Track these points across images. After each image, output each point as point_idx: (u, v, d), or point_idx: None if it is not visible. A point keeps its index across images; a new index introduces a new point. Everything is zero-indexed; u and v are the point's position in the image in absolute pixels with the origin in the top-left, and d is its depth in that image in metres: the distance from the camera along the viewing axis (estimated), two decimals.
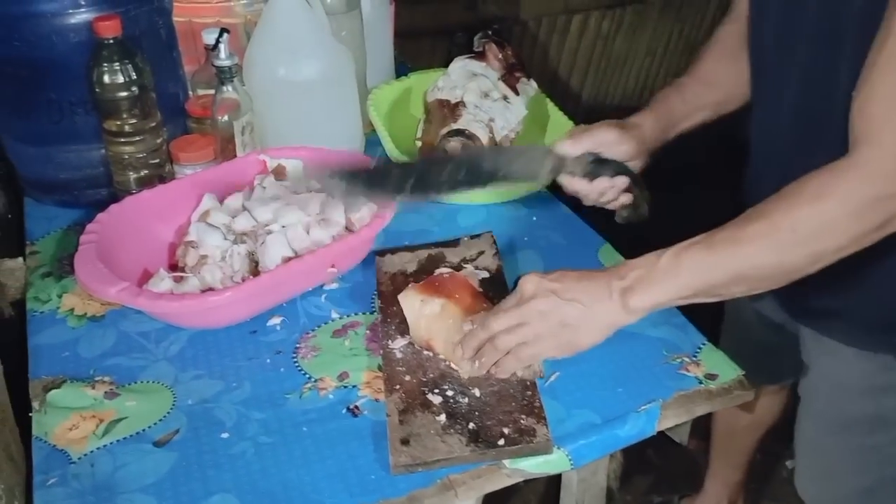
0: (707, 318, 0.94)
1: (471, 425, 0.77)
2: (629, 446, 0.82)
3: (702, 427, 1.46)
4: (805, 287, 0.84)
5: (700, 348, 0.88)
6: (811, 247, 0.75)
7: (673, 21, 2.25)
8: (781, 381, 1.30)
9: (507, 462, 0.75)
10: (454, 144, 1.03)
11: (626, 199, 0.98)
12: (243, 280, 0.91)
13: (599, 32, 2.19)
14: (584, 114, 2.28)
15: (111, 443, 0.77)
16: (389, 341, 0.87)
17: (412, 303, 0.86)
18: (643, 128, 0.99)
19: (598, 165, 0.95)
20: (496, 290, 0.93)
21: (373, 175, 0.91)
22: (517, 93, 1.17)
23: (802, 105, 0.88)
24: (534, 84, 1.24)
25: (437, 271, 0.93)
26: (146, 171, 1.06)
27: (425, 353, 0.85)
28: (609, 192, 0.97)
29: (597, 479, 1.04)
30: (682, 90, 1.03)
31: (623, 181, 0.96)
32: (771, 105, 0.94)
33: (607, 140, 0.96)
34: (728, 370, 0.85)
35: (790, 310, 1.05)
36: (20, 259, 1.03)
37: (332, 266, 0.94)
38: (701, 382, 0.84)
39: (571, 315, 0.79)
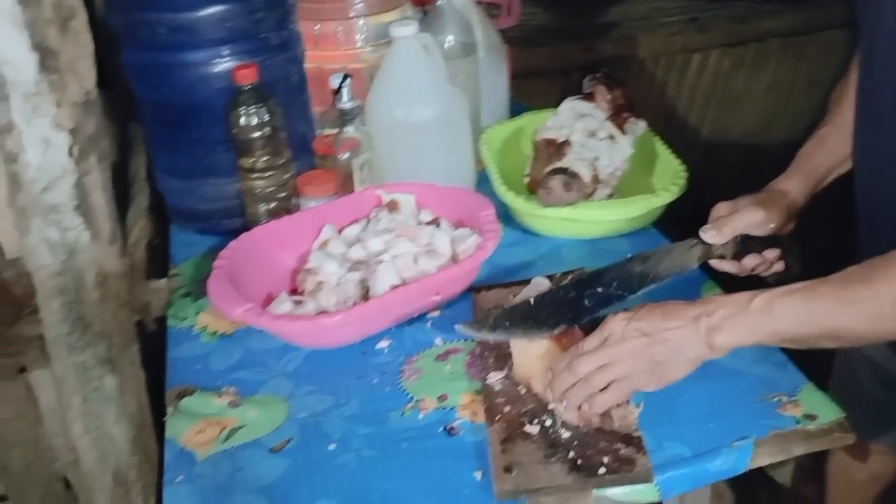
0: (811, 358, 0.93)
1: (570, 454, 0.79)
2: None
3: (821, 473, 1.41)
4: None
5: (799, 388, 0.87)
6: None
7: (796, 59, 2.21)
8: None
9: (594, 489, 0.78)
10: (556, 182, 1.07)
11: (780, 266, 0.97)
12: (355, 305, 0.98)
13: (719, 70, 2.17)
14: (704, 149, 2.27)
15: (232, 447, 0.86)
16: (488, 374, 0.91)
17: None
18: (791, 194, 0.97)
19: (747, 244, 0.96)
20: (592, 327, 0.95)
21: (528, 313, 0.92)
22: (624, 132, 1.20)
23: None
24: (642, 124, 1.26)
25: None
26: (275, 204, 1.16)
27: (521, 387, 0.88)
28: (760, 266, 0.96)
29: None
30: (825, 143, 1.00)
31: (774, 253, 0.95)
32: (886, 153, 0.91)
33: (754, 222, 0.94)
34: (828, 411, 0.84)
35: None
36: (164, 280, 1.14)
37: (437, 294, 0.99)
38: (798, 422, 0.83)
39: (661, 354, 0.81)
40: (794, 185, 0.98)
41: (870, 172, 0.95)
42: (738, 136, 2.28)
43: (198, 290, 1.12)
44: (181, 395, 0.93)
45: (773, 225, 0.95)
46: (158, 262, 1.22)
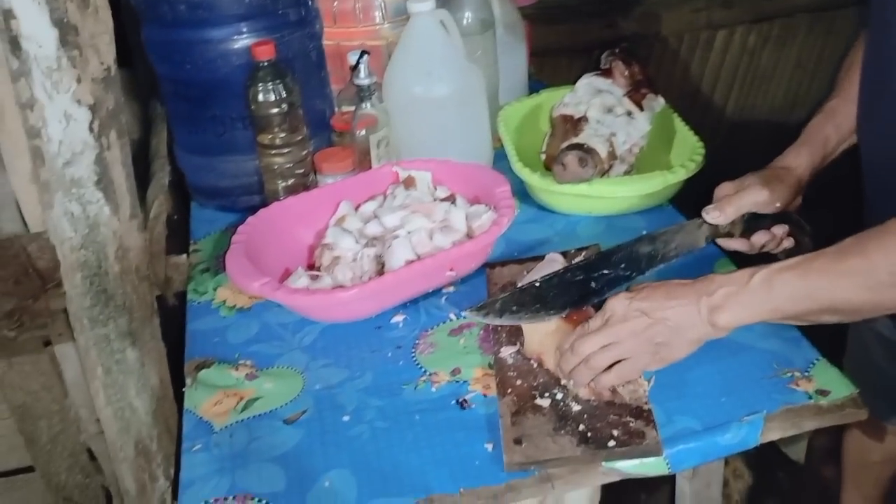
0: (825, 335, 0.92)
1: (580, 427, 0.80)
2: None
3: (838, 453, 1.41)
4: None
5: (813, 364, 0.87)
6: None
7: (824, 35, 2.17)
8: None
9: (603, 461, 0.78)
10: (571, 158, 1.07)
11: (789, 243, 0.96)
12: (370, 280, 0.99)
13: (745, 47, 2.14)
14: (729, 127, 2.25)
15: (248, 418, 0.87)
16: (500, 348, 0.92)
17: None
18: (797, 169, 0.96)
19: (755, 221, 0.95)
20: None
21: (535, 296, 0.91)
22: (642, 109, 1.20)
23: None
24: (661, 100, 1.25)
25: None
26: (293, 180, 1.17)
27: (532, 361, 0.89)
28: (770, 243, 0.95)
29: (710, 493, 1.04)
30: (834, 115, 0.99)
31: (782, 229, 0.95)
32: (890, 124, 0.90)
33: (759, 201, 0.94)
34: (841, 387, 0.84)
35: None
36: (184, 256, 1.16)
37: (451, 269, 1.00)
38: (811, 398, 0.83)
39: (662, 334, 0.81)
40: (802, 159, 0.97)
41: (874, 143, 0.94)
42: (763, 113, 2.25)
43: (217, 265, 1.13)
44: (200, 367, 0.95)
45: (778, 203, 0.94)
46: (179, 238, 1.24)
